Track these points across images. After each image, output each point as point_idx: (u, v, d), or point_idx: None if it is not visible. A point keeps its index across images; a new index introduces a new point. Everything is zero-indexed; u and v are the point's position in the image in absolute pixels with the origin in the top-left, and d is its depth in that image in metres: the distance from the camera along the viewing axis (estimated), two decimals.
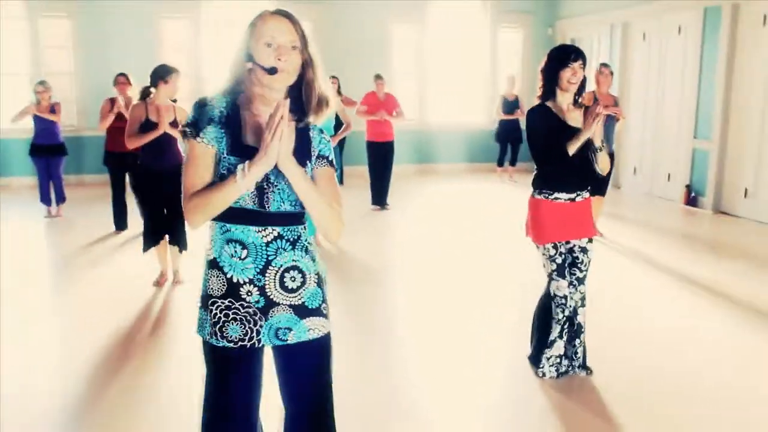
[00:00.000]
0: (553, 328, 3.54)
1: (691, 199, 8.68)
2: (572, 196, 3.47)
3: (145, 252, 5.22)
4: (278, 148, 1.70)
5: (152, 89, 5.06)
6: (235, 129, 1.83)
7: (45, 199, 7.97)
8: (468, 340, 4.19)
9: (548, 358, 3.56)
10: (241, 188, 1.74)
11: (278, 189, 1.82)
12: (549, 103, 3.46)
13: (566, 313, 3.53)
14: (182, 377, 3.65)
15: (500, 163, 11.04)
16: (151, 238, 5.13)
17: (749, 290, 5.19)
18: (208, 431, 1.96)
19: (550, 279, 3.54)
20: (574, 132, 3.34)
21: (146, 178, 5.07)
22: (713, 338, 4.24)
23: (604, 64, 6.91)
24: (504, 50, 12.12)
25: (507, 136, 10.77)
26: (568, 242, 3.53)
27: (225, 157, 1.81)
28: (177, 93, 5.14)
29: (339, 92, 9.06)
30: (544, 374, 3.57)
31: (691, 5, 8.61)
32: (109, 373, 3.67)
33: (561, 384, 3.53)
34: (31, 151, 7.83)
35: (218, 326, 1.88)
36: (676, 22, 8.99)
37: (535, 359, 3.66)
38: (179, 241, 5.18)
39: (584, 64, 3.41)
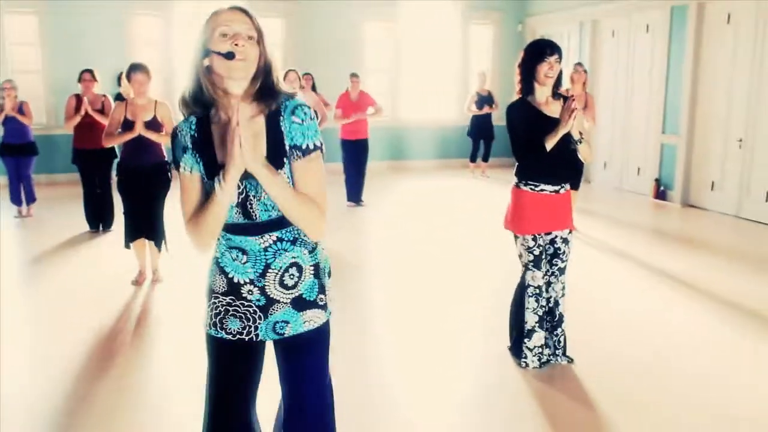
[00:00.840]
0: (528, 318, 3.60)
1: (660, 192, 8.89)
2: (557, 188, 3.55)
3: (126, 247, 5.20)
4: (243, 152, 1.68)
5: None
6: (207, 150, 1.84)
7: (15, 199, 7.84)
8: (445, 336, 4.25)
9: (530, 349, 3.63)
10: (223, 201, 1.76)
11: (261, 200, 1.81)
12: (529, 98, 3.53)
13: (541, 302, 3.60)
14: (169, 377, 3.65)
15: (473, 159, 11.14)
16: (130, 234, 5.12)
17: (716, 280, 5.36)
18: (208, 421, 1.99)
19: (526, 269, 3.61)
20: (554, 123, 3.42)
21: (126, 176, 5.04)
22: (683, 327, 4.38)
23: (578, 64, 7.05)
24: (475, 47, 12.23)
25: (479, 131, 10.89)
26: (549, 233, 3.61)
27: (207, 182, 1.84)
28: (140, 89, 5.00)
29: (314, 89, 9.06)
30: (527, 365, 3.65)
31: (658, 4, 8.79)
32: (94, 376, 3.65)
33: (542, 374, 3.61)
34: (0, 150, 7.70)
35: (219, 318, 1.93)
36: (644, 20, 9.17)
37: (517, 350, 3.73)
38: (156, 238, 5.16)
39: (560, 57, 3.49)
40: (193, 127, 1.86)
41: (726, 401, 3.33)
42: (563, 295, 3.67)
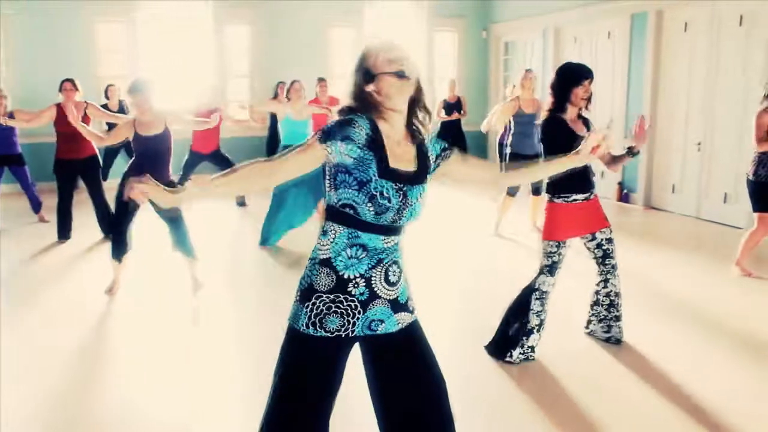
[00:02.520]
0: (531, 318, 3.79)
1: (624, 195, 9.12)
2: (587, 195, 3.87)
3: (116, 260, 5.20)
4: (155, 199, 1.97)
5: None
6: (382, 152, 1.96)
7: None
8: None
9: (522, 346, 3.80)
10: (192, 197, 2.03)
11: (411, 208, 1.99)
12: (563, 115, 3.82)
13: (545, 307, 3.81)
14: (163, 391, 3.65)
15: None
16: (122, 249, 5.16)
17: (674, 276, 5.62)
18: (279, 426, 2.00)
19: (540, 273, 3.83)
20: (581, 140, 3.64)
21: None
22: (637, 319, 4.53)
23: (528, 70, 7.25)
24: (439, 53, 12.38)
25: (451, 138, 10.88)
26: (593, 239, 3.92)
27: (377, 181, 1.92)
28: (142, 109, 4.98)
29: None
30: (512, 362, 3.80)
31: (619, 11, 9.03)
32: (85, 392, 3.64)
33: (521, 370, 3.73)
34: None
35: (319, 318, 1.96)
36: (605, 27, 9.41)
37: (498, 349, 3.87)
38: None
39: (592, 81, 3.82)
40: (371, 126, 1.97)
41: (698, 392, 3.48)
42: (620, 288, 4.01)
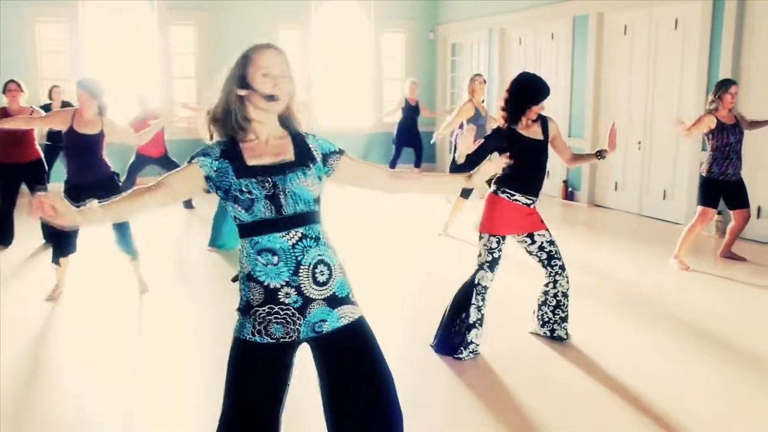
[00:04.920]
0: (472, 312, 3.85)
1: (569, 193, 9.35)
2: (529, 202, 3.90)
3: (55, 263, 5.12)
4: (57, 217, 1.89)
5: None
6: (237, 156, 2.02)
7: None
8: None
9: (469, 342, 3.86)
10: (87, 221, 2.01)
11: (289, 192, 1.99)
12: (516, 128, 3.85)
13: (485, 302, 3.87)
14: (110, 394, 3.59)
15: (392, 166, 11.17)
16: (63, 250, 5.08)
17: (617, 270, 5.81)
18: (236, 427, 2.02)
19: (480, 268, 3.88)
20: (537, 144, 3.82)
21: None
22: (590, 311, 4.68)
23: (477, 74, 7.36)
24: (387, 54, 12.43)
25: (408, 138, 10.65)
26: (533, 242, 3.94)
27: (236, 182, 1.97)
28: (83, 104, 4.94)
29: None
30: (462, 357, 3.88)
31: (561, 14, 9.25)
32: (28, 392, 3.56)
33: (466, 366, 3.80)
34: None
35: (263, 325, 1.99)
36: (549, 29, 9.62)
37: (447, 344, 3.92)
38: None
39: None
40: (223, 143, 2.04)
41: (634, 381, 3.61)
42: (568, 288, 4.06)
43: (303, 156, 2.08)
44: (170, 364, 4.01)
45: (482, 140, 3.69)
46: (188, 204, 8.78)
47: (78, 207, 1.95)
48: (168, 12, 10.67)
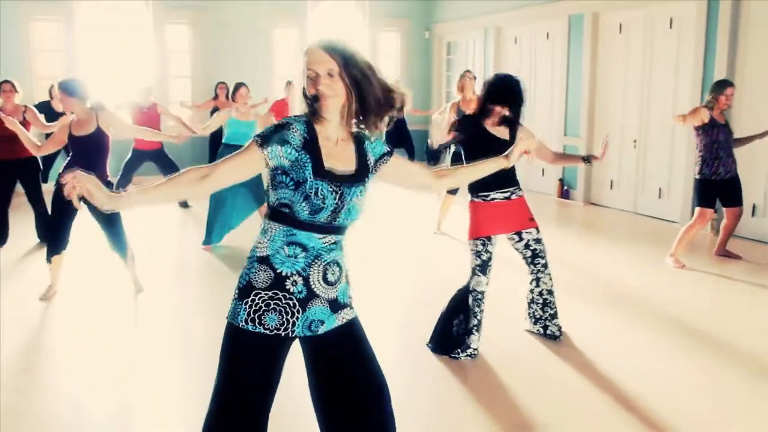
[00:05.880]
0: (470, 319, 3.85)
1: (564, 192, 9.37)
2: (506, 194, 3.88)
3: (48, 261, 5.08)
4: (96, 201, 1.88)
5: None
6: (317, 154, 1.98)
7: None
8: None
9: (467, 347, 3.86)
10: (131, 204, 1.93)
11: (349, 206, 2.00)
12: (483, 121, 3.86)
13: (482, 307, 3.86)
14: (106, 389, 3.58)
15: None
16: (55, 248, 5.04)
17: (613, 268, 5.82)
18: (220, 420, 2.01)
19: (473, 274, 3.86)
20: (500, 143, 3.69)
21: None
22: (585, 309, 4.69)
23: (468, 71, 7.36)
24: (382, 53, 12.43)
25: (399, 138, 10.67)
26: (520, 239, 3.95)
27: (312, 181, 1.94)
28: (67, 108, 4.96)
29: (227, 97, 8.96)
30: (457, 358, 3.88)
31: (557, 13, 9.26)
32: (24, 390, 3.55)
33: (461, 366, 3.80)
34: None
35: (257, 314, 1.96)
36: (544, 28, 9.63)
37: (444, 345, 3.93)
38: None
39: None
40: (307, 129, 1.99)
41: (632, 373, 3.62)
42: (552, 285, 4.07)
43: (363, 168, 2.08)
44: (166, 363, 4.00)
45: (454, 130, 3.80)
46: (184, 203, 8.76)
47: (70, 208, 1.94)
48: (163, 11, 10.66)
